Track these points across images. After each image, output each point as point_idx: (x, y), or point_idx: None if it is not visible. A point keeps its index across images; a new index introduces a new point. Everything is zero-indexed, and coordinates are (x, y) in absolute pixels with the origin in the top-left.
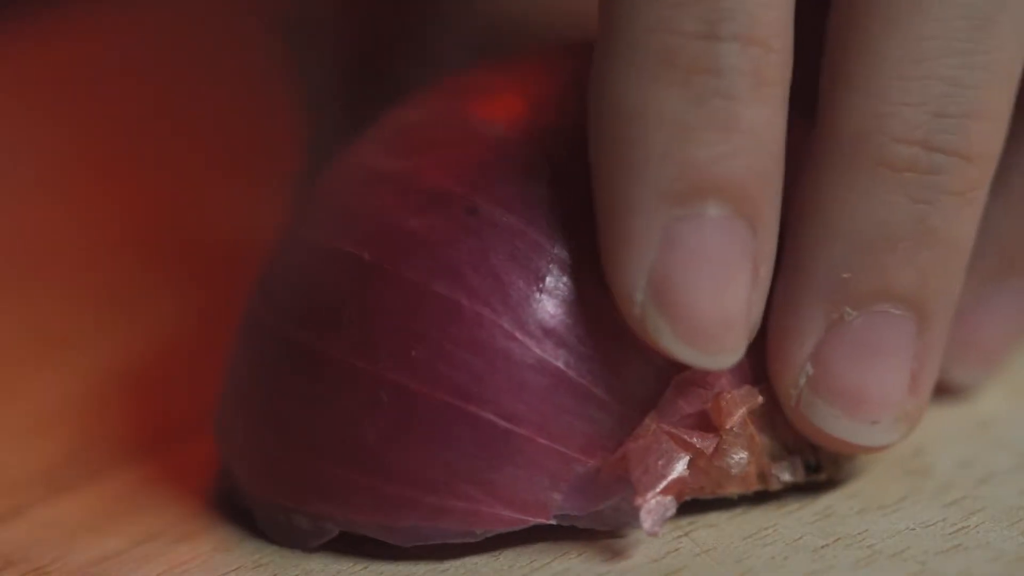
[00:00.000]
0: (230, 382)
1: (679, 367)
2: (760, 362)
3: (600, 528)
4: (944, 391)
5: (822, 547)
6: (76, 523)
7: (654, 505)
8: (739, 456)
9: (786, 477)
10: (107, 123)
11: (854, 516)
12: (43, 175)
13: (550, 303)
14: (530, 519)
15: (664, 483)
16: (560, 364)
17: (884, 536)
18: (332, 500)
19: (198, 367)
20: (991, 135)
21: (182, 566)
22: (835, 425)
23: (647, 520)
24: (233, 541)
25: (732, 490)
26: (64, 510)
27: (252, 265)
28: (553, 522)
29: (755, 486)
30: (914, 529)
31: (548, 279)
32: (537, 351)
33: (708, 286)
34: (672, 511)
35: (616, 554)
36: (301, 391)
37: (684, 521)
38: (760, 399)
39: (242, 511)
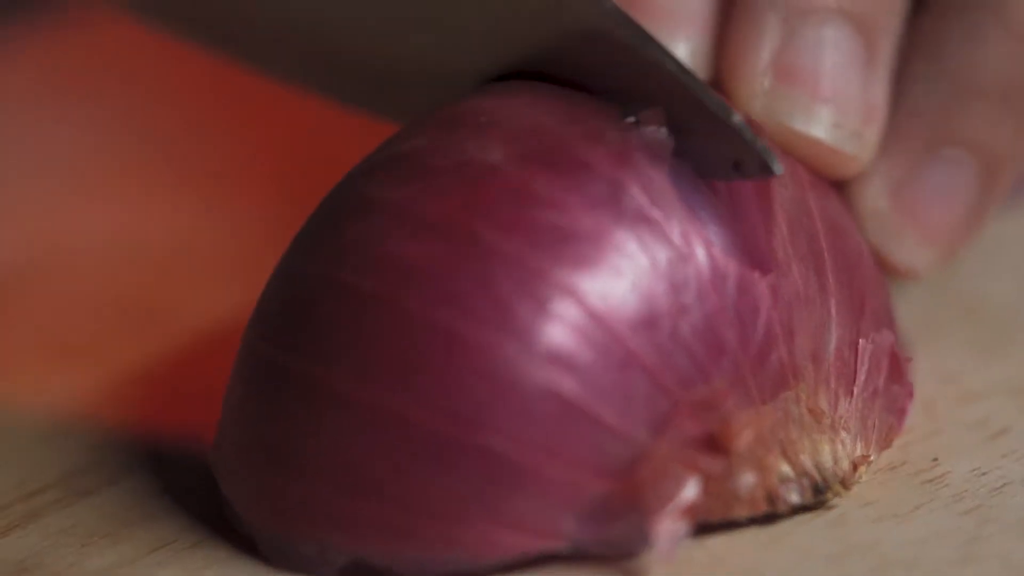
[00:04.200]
0: (227, 413)
1: (686, 388)
2: (765, 383)
3: (611, 553)
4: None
5: (835, 556)
6: (91, 529)
7: (667, 529)
8: (747, 478)
9: (794, 499)
10: (124, 127)
11: (868, 525)
12: (65, 180)
13: (555, 329)
14: (542, 546)
15: (676, 507)
16: (567, 390)
17: (897, 545)
18: (339, 529)
19: (215, 374)
20: None
21: (197, 572)
22: (897, 247)
23: (661, 544)
24: (247, 547)
25: (741, 512)
26: (79, 516)
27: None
28: (565, 548)
29: (763, 508)
30: (927, 539)
31: (552, 304)
32: (544, 378)
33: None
34: (685, 535)
35: None
36: (303, 421)
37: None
38: (768, 420)
39: (244, 537)
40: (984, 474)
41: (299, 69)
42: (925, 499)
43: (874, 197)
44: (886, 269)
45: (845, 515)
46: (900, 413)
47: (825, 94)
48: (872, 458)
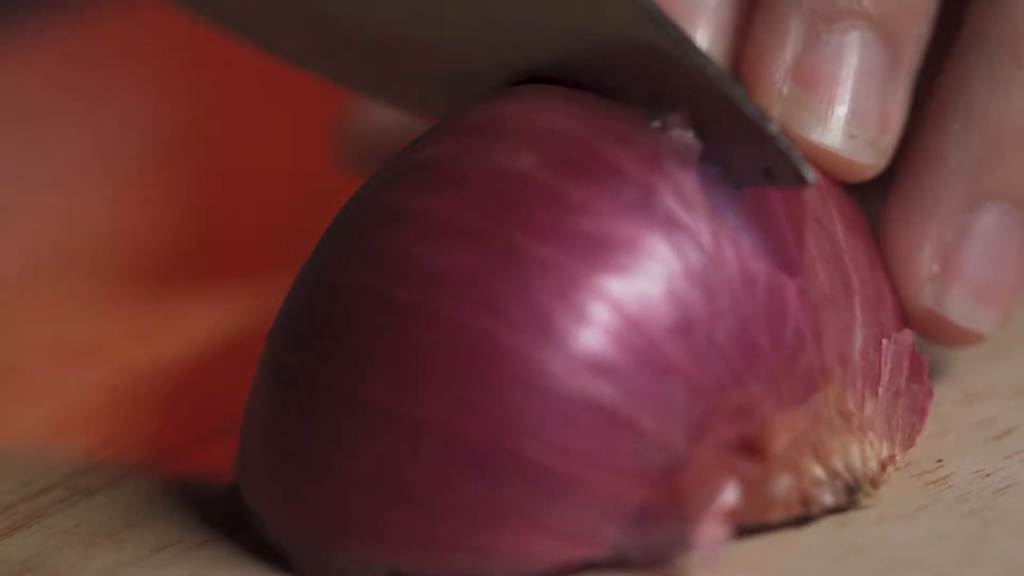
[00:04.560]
0: (254, 423)
1: (723, 393)
2: (797, 386)
3: (652, 559)
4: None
5: (840, 556)
6: (95, 529)
7: (709, 535)
8: (784, 481)
9: (828, 500)
10: (139, 125)
11: (873, 525)
12: (73, 178)
13: (593, 335)
14: (583, 554)
15: (717, 512)
16: (606, 398)
17: (901, 546)
18: (379, 540)
19: (221, 376)
20: None
21: (201, 573)
22: (957, 310)
23: (703, 550)
24: (251, 548)
25: (776, 516)
26: (83, 516)
27: (283, 273)
28: (605, 556)
29: (798, 511)
30: (931, 540)
31: (590, 312)
32: (583, 386)
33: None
34: (726, 540)
35: None
36: (339, 433)
37: None
38: (802, 423)
39: (272, 549)
40: (988, 475)
41: (321, 55)
42: (929, 500)
43: (928, 265)
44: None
45: (849, 515)
46: (921, 412)
47: (843, 103)
48: (898, 458)
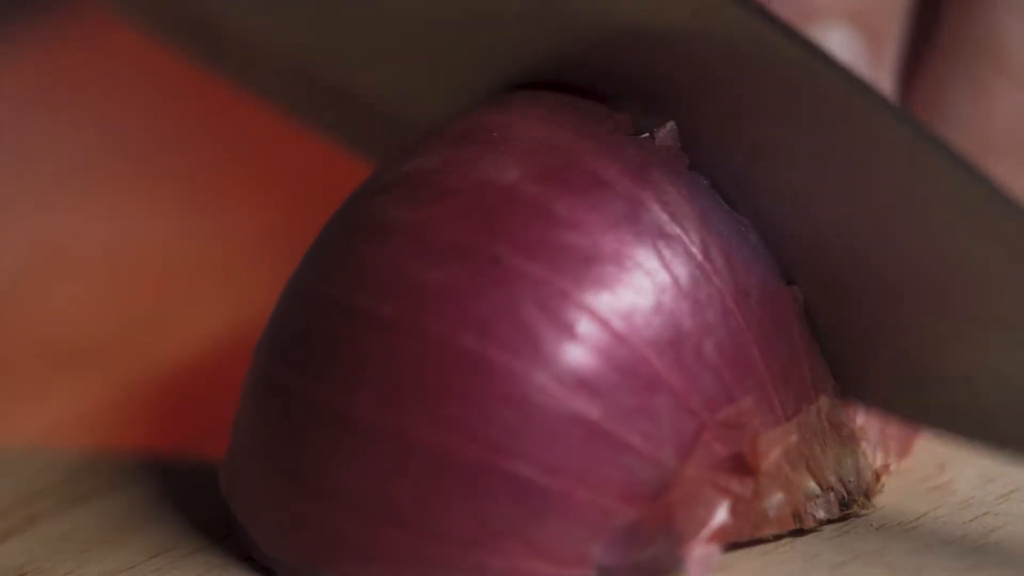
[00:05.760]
0: (243, 440)
1: (712, 409)
2: (789, 398)
3: None
4: None
5: (840, 564)
6: (90, 535)
7: (700, 554)
8: (776, 498)
9: (821, 515)
10: (133, 129)
11: (873, 533)
12: (69, 183)
13: (582, 353)
14: (570, 573)
15: (708, 530)
16: (594, 415)
17: (903, 553)
18: (367, 560)
19: (215, 380)
20: None
21: None
22: None
23: (695, 569)
24: (246, 555)
25: (769, 531)
26: (78, 522)
27: (281, 277)
28: (593, 575)
29: (791, 525)
30: (933, 546)
31: (578, 328)
32: (571, 403)
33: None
34: (717, 559)
35: None
36: (327, 451)
37: None
38: (794, 437)
39: (243, 545)
40: (991, 481)
41: (307, 106)
42: (931, 506)
43: None
44: None
45: (851, 522)
46: None
47: None
48: (892, 467)
